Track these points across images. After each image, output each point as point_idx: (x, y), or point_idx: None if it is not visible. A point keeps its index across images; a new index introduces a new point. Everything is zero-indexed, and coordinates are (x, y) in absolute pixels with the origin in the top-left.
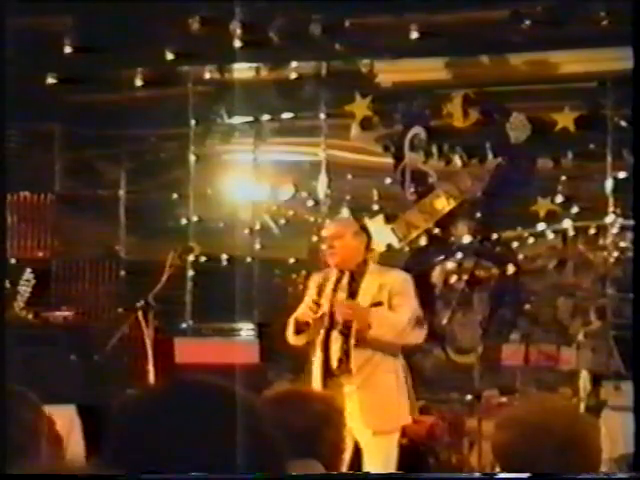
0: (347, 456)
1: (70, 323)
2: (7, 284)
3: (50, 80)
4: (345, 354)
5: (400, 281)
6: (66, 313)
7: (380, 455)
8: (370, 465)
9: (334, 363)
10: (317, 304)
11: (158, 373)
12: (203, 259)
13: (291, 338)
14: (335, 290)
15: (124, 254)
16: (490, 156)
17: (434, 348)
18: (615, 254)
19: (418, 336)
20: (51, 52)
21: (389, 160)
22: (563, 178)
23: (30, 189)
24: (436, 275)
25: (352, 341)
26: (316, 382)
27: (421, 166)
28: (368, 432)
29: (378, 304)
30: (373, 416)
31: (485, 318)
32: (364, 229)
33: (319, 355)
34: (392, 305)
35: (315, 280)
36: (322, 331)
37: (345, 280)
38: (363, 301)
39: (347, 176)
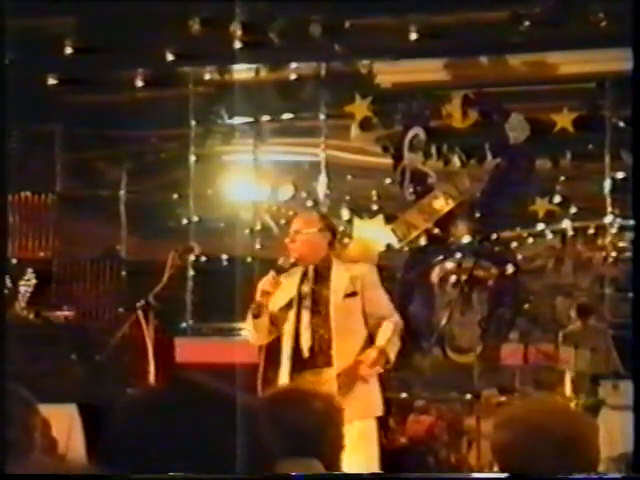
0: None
1: (71, 323)
2: (8, 284)
3: (51, 81)
4: (316, 343)
5: (370, 273)
6: (67, 313)
7: (362, 453)
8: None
9: (305, 353)
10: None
11: (158, 373)
12: (203, 259)
13: (251, 329)
14: (302, 282)
15: (124, 254)
16: (489, 156)
17: (433, 348)
18: (614, 254)
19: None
20: (52, 53)
21: (388, 160)
22: (562, 178)
23: (31, 189)
24: (435, 275)
25: (324, 332)
26: (283, 376)
27: (420, 166)
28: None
29: (352, 294)
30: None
31: (484, 318)
32: (329, 227)
33: (289, 345)
34: (365, 297)
35: (270, 273)
36: (292, 322)
37: (310, 273)
38: (336, 293)
39: (347, 176)
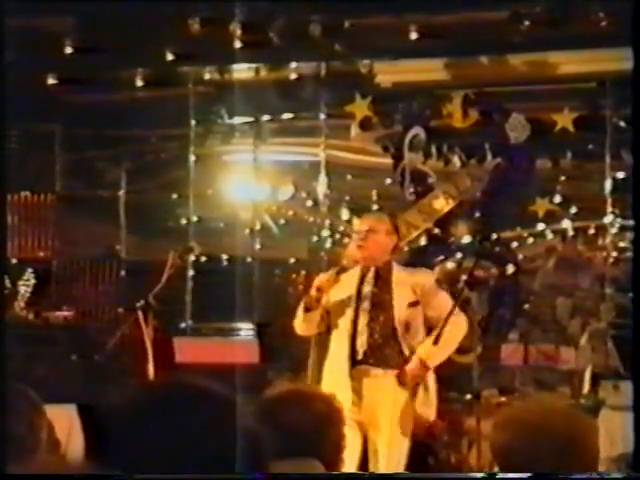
0: (357, 454)
1: (70, 323)
2: (7, 284)
3: (50, 80)
4: (370, 347)
5: (429, 279)
6: (66, 313)
7: (395, 454)
8: (383, 463)
9: (360, 355)
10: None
11: (158, 373)
12: (203, 259)
13: (301, 319)
14: (362, 283)
15: (124, 254)
16: (489, 156)
17: None
18: (614, 254)
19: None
20: (51, 52)
21: (388, 160)
22: (562, 178)
23: (30, 189)
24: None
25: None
26: (342, 371)
27: (420, 166)
28: (387, 428)
29: (415, 303)
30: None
31: (484, 318)
32: (396, 229)
33: (346, 344)
34: (427, 304)
35: (330, 270)
36: (349, 321)
37: (371, 275)
38: (400, 301)
39: (347, 176)
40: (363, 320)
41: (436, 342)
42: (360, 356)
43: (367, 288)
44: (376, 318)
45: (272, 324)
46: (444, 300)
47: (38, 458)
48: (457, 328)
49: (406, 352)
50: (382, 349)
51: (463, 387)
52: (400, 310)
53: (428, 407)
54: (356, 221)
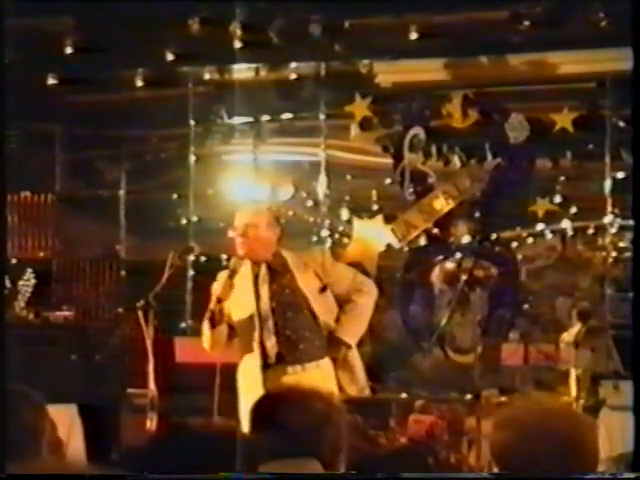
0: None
1: (71, 323)
2: (8, 284)
3: (50, 81)
4: (283, 346)
5: (326, 257)
6: (66, 313)
7: None
8: None
9: (272, 359)
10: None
11: (158, 373)
12: (203, 259)
13: (209, 337)
14: (256, 285)
15: (124, 254)
16: (489, 156)
17: (433, 348)
18: (614, 254)
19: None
20: (51, 53)
21: (388, 160)
22: (562, 178)
23: (30, 189)
24: (435, 275)
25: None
26: (255, 380)
27: (420, 166)
28: None
29: (324, 289)
30: None
31: (484, 318)
32: (278, 221)
33: (257, 354)
34: (335, 284)
35: (222, 277)
36: (255, 326)
37: (263, 272)
38: (312, 292)
39: (346, 176)
40: (268, 324)
41: (349, 317)
42: (273, 359)
43: (264, 287)
44: (283, 315)
45: None
46: (344, 272)
47: (39, 458)
48: (367, 297)
49: (326, 335)
50: (297, 345)
51: (463, 387)
52: (315, 298)
53: (355, 384)
54: (236, 217)
